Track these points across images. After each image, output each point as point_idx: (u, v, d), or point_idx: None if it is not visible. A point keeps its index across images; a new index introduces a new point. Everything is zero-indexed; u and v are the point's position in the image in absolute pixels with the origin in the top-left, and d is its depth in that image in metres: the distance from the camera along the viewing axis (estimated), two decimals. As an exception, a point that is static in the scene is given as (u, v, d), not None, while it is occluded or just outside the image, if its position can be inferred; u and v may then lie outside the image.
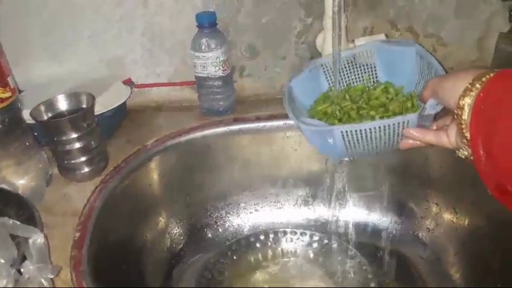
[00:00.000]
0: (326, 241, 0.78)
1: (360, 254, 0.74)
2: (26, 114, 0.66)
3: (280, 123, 0.80)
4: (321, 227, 0.82)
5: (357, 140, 0.54)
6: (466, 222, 0.72)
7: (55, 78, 0.85)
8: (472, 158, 0.43)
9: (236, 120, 0.80)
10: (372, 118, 0.61)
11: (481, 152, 0.40)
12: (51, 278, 0.47)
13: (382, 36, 0.75)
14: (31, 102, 0.68)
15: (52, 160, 0.69)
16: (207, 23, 0.76)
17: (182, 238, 0.80)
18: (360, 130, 0.53)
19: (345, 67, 0.70)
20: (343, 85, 0.71)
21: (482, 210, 0.67)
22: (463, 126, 0.43)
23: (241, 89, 0.87)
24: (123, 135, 0.80)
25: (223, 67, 0.79)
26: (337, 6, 0.61)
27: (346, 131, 0.53)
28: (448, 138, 0.49)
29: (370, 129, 0.52)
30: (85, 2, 0.81)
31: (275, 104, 0.84)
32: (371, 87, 0.69)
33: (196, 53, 0.77)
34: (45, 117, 0.67)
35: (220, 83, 0.80)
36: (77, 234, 0.58)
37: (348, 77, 0.71)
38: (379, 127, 0.52)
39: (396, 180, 0.79)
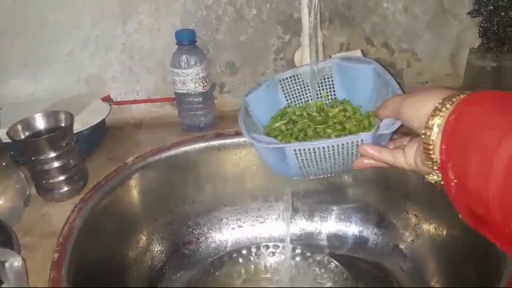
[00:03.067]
0: (308, 254, 0.78)
1: (341, 266, 0.74)
2: (2, 133, 0.65)
3: (260, 138, 0.80)
4: (303, 240, 0.82)
5: (310, 159, 0.52)
6: (445, 233, 0.73)
7: (33, 96, 0.84)
8: (442, 183, 0.41)
9: (217, 136, 0.81)
10: (329, 136, 0.60)
11: (452, 177, 0.38)
12: (29, 302, 0.46)
13: (358, 52, 0.77)
14: (8, 120, 0.67)
15: (30, 179, 0.68)
16: (187, 40, 0.77)
17: (164, 255, 0.79)
18: (314, 149, 0.51)
19: (303, 84, 0.69)
20: (302, 102, 0.69)
21: (459, 220, 0.69)
22: (431, 147, 0.41)
23: (222, 105, 0.88)
24: (103, 152, 0.80)
25: (203, 84, 0.79)
26: (313, 22, 0.63)
27: (299, 150, 0.51)
28: (405, 158, 0.47)
29: (323, 147, 0.51)
30: (64, 20, 0.81)
31: (255, 119, 0.86)
32: (329, 105, 0.68)
33: (176, 70, 0.78)
34: (22, 136, 0.66)
35: (201, 99, 0.81)
36: (56, 255, 0.57)
37: (306, 94, 0.69)
38: (332, 146, 0.50)
39: (376, 193, 0.80)
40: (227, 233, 0.85)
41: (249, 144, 0.80)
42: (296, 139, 0.61)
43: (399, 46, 0.85)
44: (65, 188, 0.67)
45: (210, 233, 0.84)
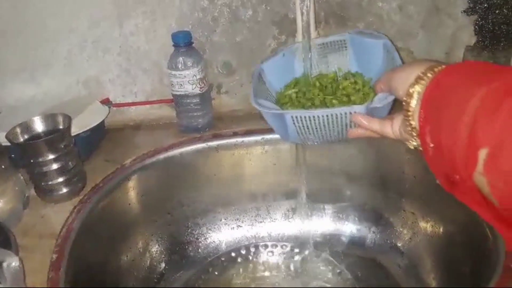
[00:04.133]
0: (306, 252, 0.79)
1: (339, 264, 0.75)
2: (1, 137, 0.66)
3: (258, 138, 0.81)
4: (302, 239, 0.83)
5: (307, 126, 0.56)
6: (441, 230, 0.73)
7: (32, 99, 0.85)
8: (421, 148, 0.43)
9: (215, 136, 0.81)
10: (333, 106, 0.63)
11: (429, 141, 0.40)
12: (27, 302, 0.46)
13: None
14: (6, 124, 0.68)
15: (29, 182, 0.69)
16: (183, 42, 0.78)
17: (163, 256, 0.80)
18: (309, 117, 0.55)
19: (319, 55, 0.71)
20: (316, 72, 0.72)
21: (455, 218, 0.69)
22: (410, 114, 0.43)
23: (219, 105, 0.89)
24: (102, 154, 0.80)
25: (200, 85, 0.80)
26: (305, 22, 0.64)
27: (296, 117, 0.55)
28: (391, 128, 0.50)
29: (318, 116, 0.54)
30: (61, 23, 0.81)
31: (252, 119, 0.86)
32: (342, 77, 0.70)
33: (173, 72, 0.78)
34: (21, 139, 0.67)
35: (198, 100, 0.81)
36: (54, 256, 0.58)
37: (320, 64, 0.72)
38: (327, 115, 0.54)
39: (373, 191, 0.80)
40: (226, 233, 0.85)
41: (246, 144, 0.81)
42: (303, 107, 0.64)
43: (395, 45, 0.85)
44: (64, 190, 0.68)
45: (209, 233, 0.84)
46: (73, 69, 0.85)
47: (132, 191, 0.75)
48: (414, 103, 0.42)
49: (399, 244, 0.78)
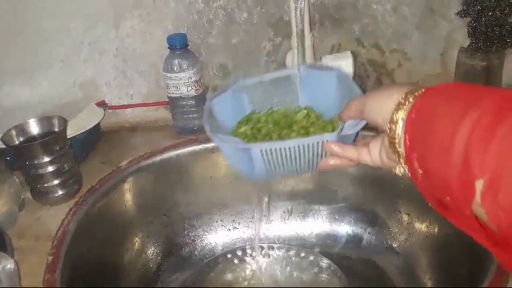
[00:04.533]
0: (302, 254, 0.79)
1: (335, 265, 0.75)
2: (-3, 139, 0.66)
3: (253, 140, 0.81)
4: (297, 240, 0.83)
5: (277, 160, 0.52)
6: (436, 231, 0.74)
7: (27, 102, 0.85)
8: (409, 175, 0.41)
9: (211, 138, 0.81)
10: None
11: (417, 167, 0.39)
12: (22, 304, 0.46)
13: (348, 54, 0.78)
14: (2, 126, 0.68)
15: (24, 184, 0.69)
16: (179, 45, 0.78)
17: (159, 258, 0.80)
18: (280, 149, 0.51)
19: (268, 90, 0.67)
20: (266, 108, 0.68)
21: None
22: (396, 141, 0.41)
23: (215, 107, 0.89)
24: (98, 156, 0.80)
25: (195, 87, 0.80)
26: (301, 25, 0.64)
27: (266, 150, 0.52)
28: (370, 155, 0.48)
29: (289, 148, 0.51)
30: (57, 25, 0.82)
31: (248, 121, 0.86)
32: (293, 111, 0.67)
33: (169, 74, 0.79)
34: (17, 142, 0.67)
35: (194, 102, 0.81)
36: (50, 258, 0.58)
37: (271, 100, 0.68)
38: (298, 146, 0.51)
39: (369, 192, 0.81)
40: (223, 235, 0.85)
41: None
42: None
43: (389, 47, 0.86)
44: (60, 192, 0.68)
45: (205, 234, 0.84)
46: (69, 71, 0.85)
47: (128, 193, 0.75)
48: (399, 129, 0.41)
49: (394, 245, 0.78)
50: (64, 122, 0.68)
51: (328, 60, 0.78)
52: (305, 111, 0.65)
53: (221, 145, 0.55)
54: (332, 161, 0.52)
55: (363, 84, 0.89)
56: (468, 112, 0.34)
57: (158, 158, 0.78)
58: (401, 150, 0.41)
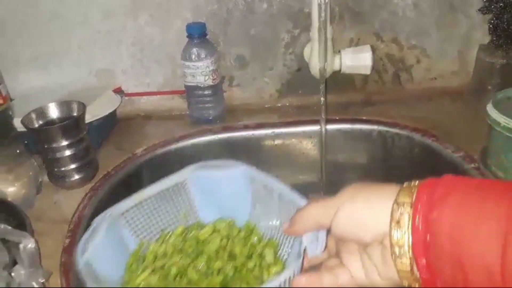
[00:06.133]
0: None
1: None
2: (17, 122, 0.66)
3: (268, 131, 0.81)
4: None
5: None
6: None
7: (45, 88, 0.86)
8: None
9: (225, 129, 0.82)
10: (222, 271, 0.46)
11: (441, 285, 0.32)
12: (42, 282, 0.47)
13: (367, 47, 0.78)
14: (21, 110, 0.69)
15: (42, 167, 0.69)
16: (197, 34, 0.78)
17: (171, 246, 0.80)
18: None
19: (151, 212, 0.52)
20: (155, 235, 0.52)
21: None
22: (406, 262, 0.33)
23: (231, 98, 0.89)
24: (113, 143, 0.81)
25: (212, 77, 0.80)
26: (324, 17, 0.63)
27: None
28: (350, 274, 0.38)
29: None
30: (75, 13, 0.82)
31: (263, 113, 0.86)
32: (192, 228, 0.53)
33: (186, 63, 0.79)
34: (36, 125, 0.67)
35: (210, 92, 0.81)
36: (67, 241, 0.59)
37: (158, 223, 0.53)
38: None
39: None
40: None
41: (257, 137, 0.81)
42: None
43: (408, 42, 0.86)
44: (76, 176, 0.68)
45: (217, 225, 0.85)
46: (86, 59, 0.86)
47: (143, 180, 0.76)
48: (406, 247, 0.33)
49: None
50: (83, 107, 0.68)
51: (347, 53, 0.77)
52: (211, 226, 0.52)
53: None
54: None
55: (381, 78, 0.88)
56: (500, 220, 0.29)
57: (173, 146, 0.79)
58: (416, 272, 0.33)
